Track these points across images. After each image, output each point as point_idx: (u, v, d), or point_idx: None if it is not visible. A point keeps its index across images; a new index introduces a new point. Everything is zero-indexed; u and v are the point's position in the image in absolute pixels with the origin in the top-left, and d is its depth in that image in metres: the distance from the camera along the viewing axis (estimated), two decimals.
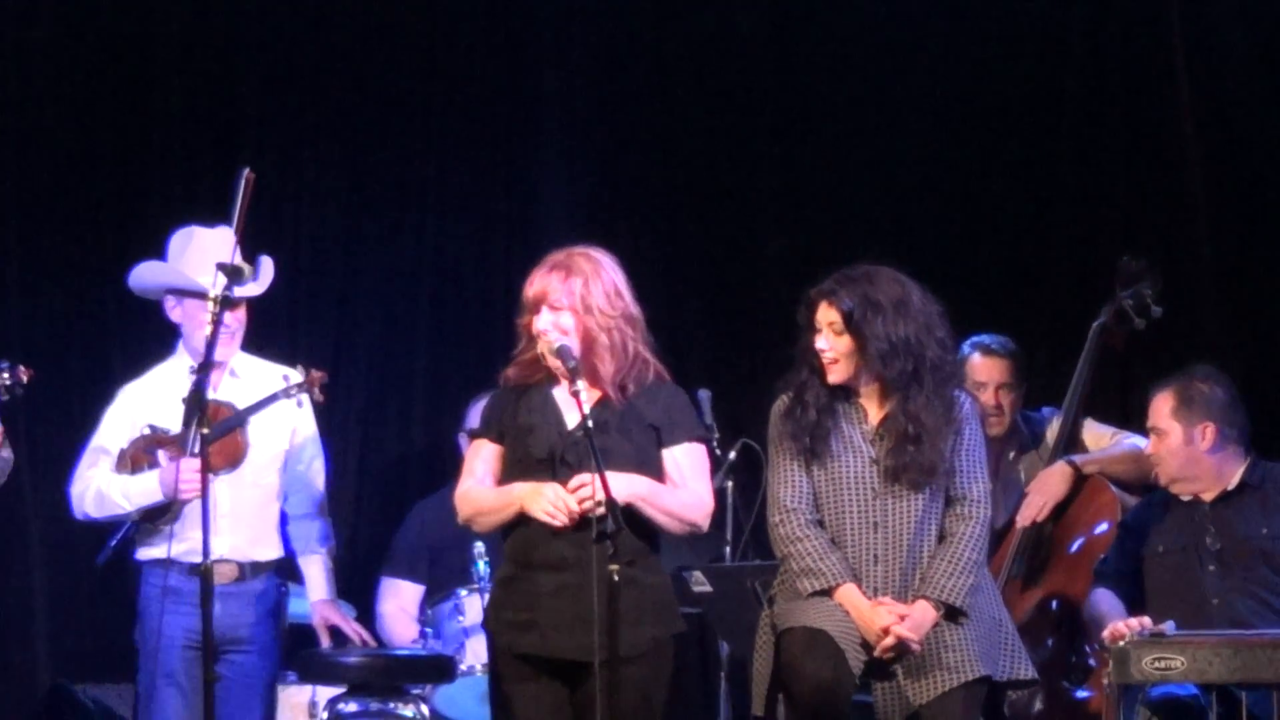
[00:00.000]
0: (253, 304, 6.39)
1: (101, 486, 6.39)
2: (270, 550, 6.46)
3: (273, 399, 6.39)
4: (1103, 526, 6.46)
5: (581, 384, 5.37)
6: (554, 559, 5.42)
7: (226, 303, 5.88)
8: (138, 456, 6.39)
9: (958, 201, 7.93)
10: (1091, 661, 6.36)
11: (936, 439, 5.45)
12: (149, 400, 6.46)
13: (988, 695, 5.51)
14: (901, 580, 5.46)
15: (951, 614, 5.43)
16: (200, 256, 6.39)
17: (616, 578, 5.22)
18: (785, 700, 5.45)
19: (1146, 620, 5.72)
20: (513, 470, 5.53)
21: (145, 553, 6.41)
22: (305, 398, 6.45)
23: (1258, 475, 6.14)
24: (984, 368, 6.80)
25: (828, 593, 5.43)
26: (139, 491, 6.34)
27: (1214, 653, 5.54)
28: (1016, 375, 6.82)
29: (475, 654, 6.92)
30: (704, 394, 6.60)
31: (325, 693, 6.86)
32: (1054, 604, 6.49)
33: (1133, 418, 6.50)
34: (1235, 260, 7.57)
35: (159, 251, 6.53)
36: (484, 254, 8.21)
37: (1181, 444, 6.13)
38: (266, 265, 6.30)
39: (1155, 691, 5.72)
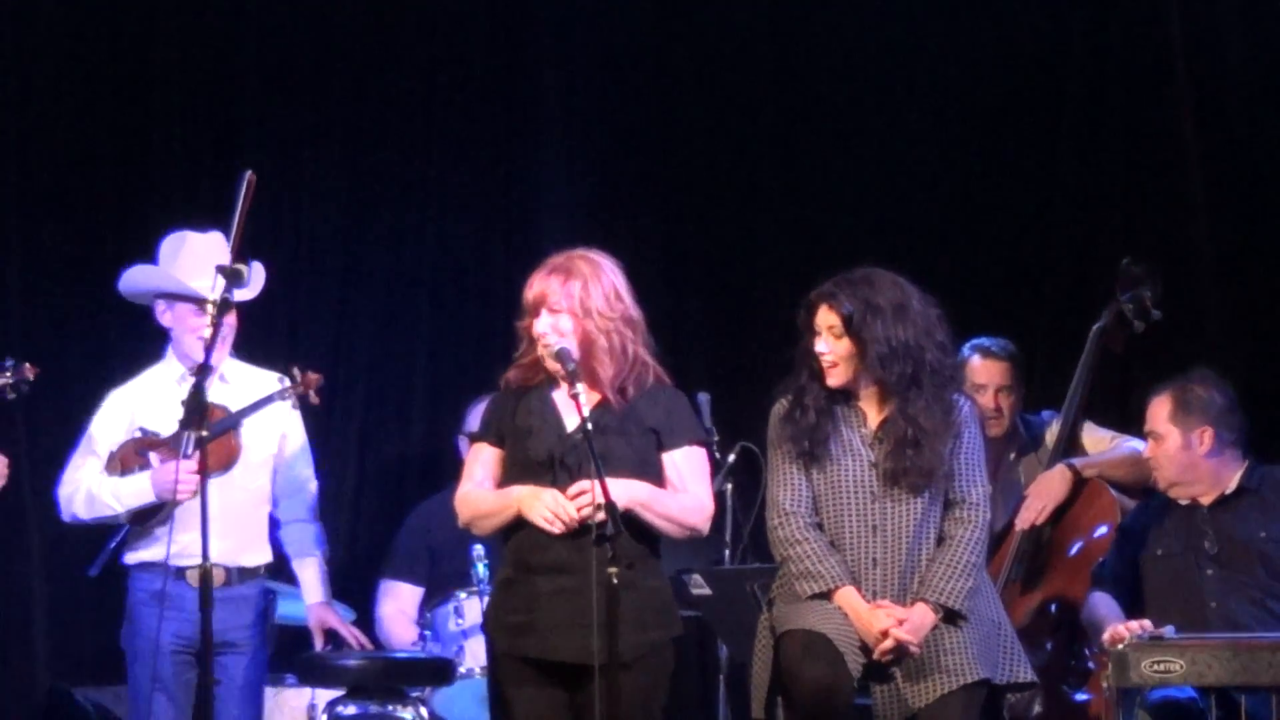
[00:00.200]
0: (243, 309, 6.38)
1: (91, 488, 6.39)
2: (258, 556, 6.47)
3: (268, 401, 6.40)
4: (1102, 530, 6.46)
5: (581, 387, 5.37)
6: (553, 562, 5.43)
7: (225, 305, 5.87)
8: (127, 459, 6.40)
9: (958, 203, 7.93)
10: (1090, 664, 6.36)
11: (935, 442, 5.45)
12: (139, 404, 6.47)
13: (987, 698, 5.51)
14: (900, 583, 5.46)
15: (950, 617, 5.43)
16: (192, 261, 6.40)
17: (616, 581, 5.22)
18: (784, 703, 5.46)
19: (1147, 623, 5.72)
20: (512, 473, 5.53)
21: (133, 556, 6.42)
22: (295, 401, 6.47)
23: (1256, 479, 6.14)
24: (984, 370, 6.80)
25: (827, 595, 5.43)
26: (130, 493, 6.35)
27: (1213, 656, 5.54)
28: (1016, 378, 6.82)
29: (474, 656, 6.92)
30: (703, 397, 6.60)
31: (324, 695, 6.86)
32: (1053, 607, 6.49)
33: (1132, 421, 6.49)
34: (1235, 263, 7.56)
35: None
36: (484, 256, 8.21)
37: (1179, 448, 6.13)
38: (257, 270, 6.29)
39: (1154, 695, 5.72)
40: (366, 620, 7.32)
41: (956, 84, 7.99)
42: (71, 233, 7.90)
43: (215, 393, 6.33)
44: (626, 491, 5.37)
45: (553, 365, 5.47)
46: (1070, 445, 6.70)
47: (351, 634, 6.78)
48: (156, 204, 7.85)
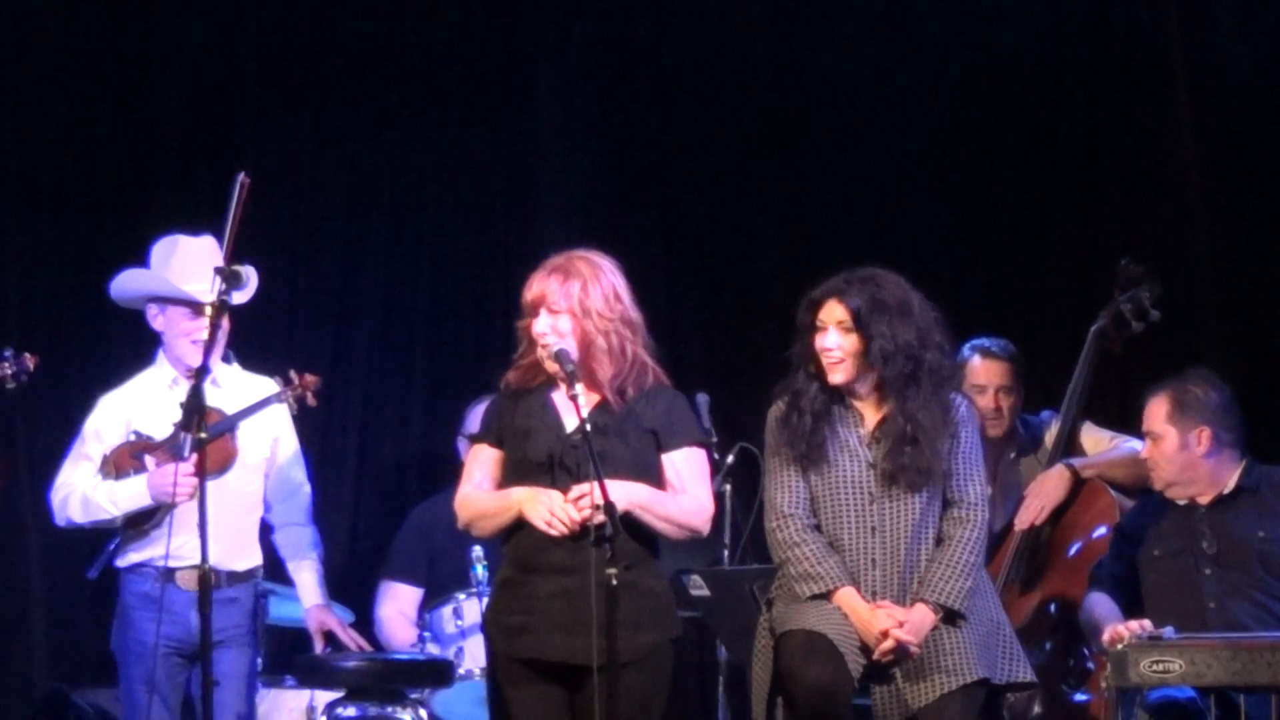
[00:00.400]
0: (240, 311, 6.37)
1: (87, 492, 6.39)
2: (248, 560, 6.48)
3: (266, 403, 6.41)
4: (1101, 530, 6.46)
5: (580, 388, 5.37)
6: (553, 563, 5.42)
7: (223, 308, 5.86)
8: (122, 462, 6.40)
9: (958, 203, 7.92)
10: (1090, 665, 6.36)
11: (934, 440, 5.45)
12: (131, 408, 6.47)
13: (986, 698, 5.51)
14: (900, 583, 5.46)
15: (950, 617, 5.43)
16: (184, 264, 6.41)
17: (615, 582, 5.22)
18: (784, 704, 5.46)
19: (1147, 623, 5.72)
20: (512, 474, 5.53)
21: (125, 559, 6.42)
22: (293, 403, 6.46)
23: (1254, 478, 6.14)
24: (984, 370, 6.80)
25: (826, 596, 5.43)
26: (126, 496, 6.35)
27: (1212, 656, 5.54)
28: (1016, 378, 6.82)
29: (473, 658, 6.92)
30: (702, 398, 6.59)
31: (323, 697, 6.85)
32: (1052, 607, 6.49)
33: (1131, 421, 6.49)
34: (1233, 264, 7.56)
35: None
36: (482, 258, 8.21)
37: (1177, 448, 6.13)
38: (251, 274, 6.28)
39: (1153, 695, 5.71)
40: (365, 621, 7.32)
41: (956, 84, 7.98)
42: (70, 235, 7.91)
43: (208, 396, 6.31)
44: (626, 493, 5.37)
45: (551, 366, 5.47)
46: (1069, 445, 6.70)
47: (350, 637, 6.78)
48: (155, 206, 7.85)
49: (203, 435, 5.70)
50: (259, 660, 6.62)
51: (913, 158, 7.98)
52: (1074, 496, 6.55)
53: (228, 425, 6.34)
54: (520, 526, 5.47)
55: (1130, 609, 6.02)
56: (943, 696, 5.41)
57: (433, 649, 7.02)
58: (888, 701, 5.47)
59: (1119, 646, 5.61)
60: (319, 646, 6.71)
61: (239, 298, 6.18)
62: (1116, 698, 5.63)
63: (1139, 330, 6.72)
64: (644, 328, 5.55)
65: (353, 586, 7.47)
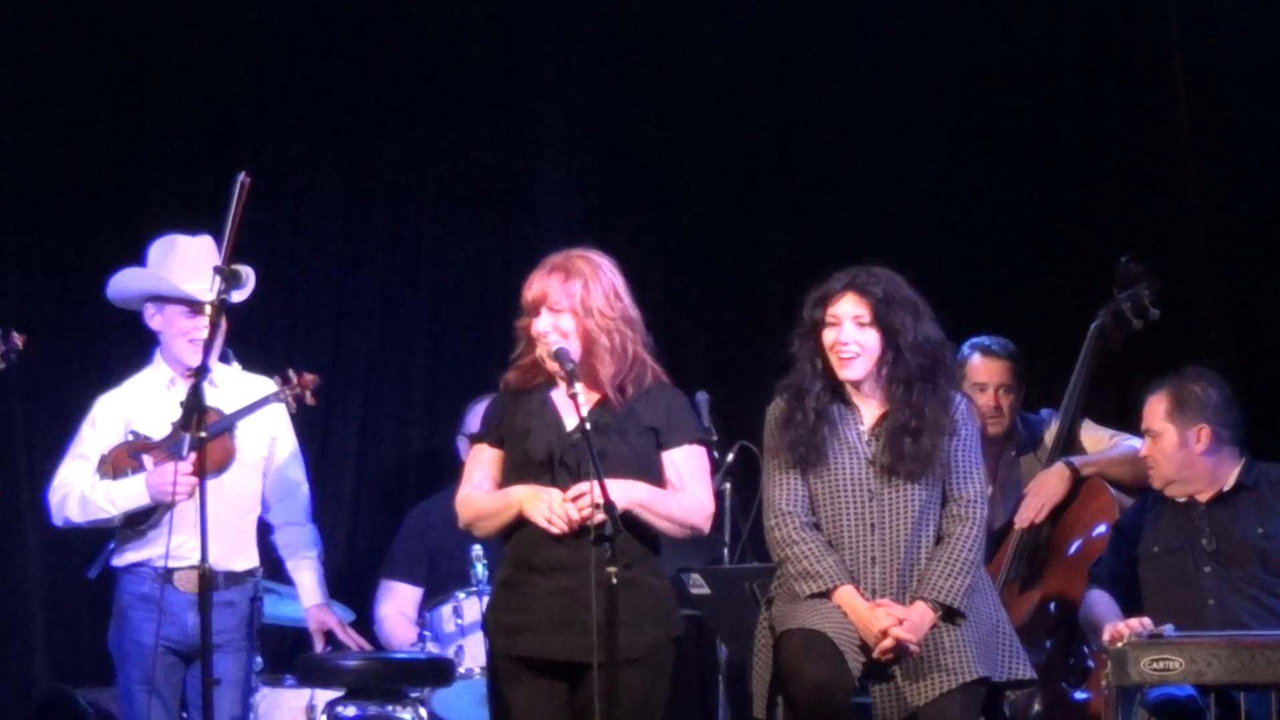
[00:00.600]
0: (239, 311, 6.37)
1: (85, 491, 6.39)
2: (245, 561, 6.47)
3: (264, 402, 6.41)
4: (1101, 528, 6.46)
5: (579, 387, 5.37)
6: (553, 562, 5.42)
7: (222, 306, 5.86)
8: (120, 462, 6.40)
9: (958, 203, 7.93)
10: (1090, 663, 6.36)
11: (935, 433, 5.46)
12: (129, 408, 6.47)
13: (987, 696, 5.51)
14: (899, 581, 5.46)
15: (949, 615, 5.44)
16: (181, 264, 6.40)
17: (615, 580, 5.22)
18: (784, 702, 5.46)
19: (1147, 621, 5.72)
20: (512, 474, 5.53)
21: (122, 558, 6.42)
22: (292, 403, 6.46)
23: (1253, 476, 6.14)
24: (984, 369, 6.81)
25: (826, 595, 5.43)
26: (124, 496, 6.34)
27: (1212, 654, 5.53)
28: (1016, 376, 6.83)
29: (474, 657, 6.92)
30: (702, 396, 6.60)
31: (323, 696, 6.85)
32: (1052, 605, 6.49)
33: (1131, 419, 6.49)
34: (1233, 262, 7.57)
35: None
36: (482, 257, 8.21)
37: (1176, 446, 6.13)
38: (249, 273, 6.27)
39: (1153, 693, 5.71)
40: (365, 621, 7.32)
41: (956, 84, 7.99)
42: (69, 236, 7.91)
43: (206, 396, 6.31)
44: (626, 492, 5.37)
45: (552, 365, 5.47)
46: (1069, 444, 6.70)
47: (350, 636, 6.78)
48: (155, 207, 7.86)
49: (203, 434, 5.69)
50: (257, 661, 6.63)
51: (913, 157, 7.99)
52: (1074, 495, 6.55)
53: (226, 425, 6.34)
54: (520, 525, 5.47)
55: (1129, 607, 6.02)
56: (943, 695, 5.41)
57: (433, 648, 7.02)
58: (887, 700, 5.47)
59: (1119, 645, 5.61)
60: (319, 646, 6.71)
61: (237, 297, 6.17)
62: (1116, 696, 5.63)
63: (1138, 328, 6.72)
64: (643, 326, 5.56)
65: (352, 586, 7.47)
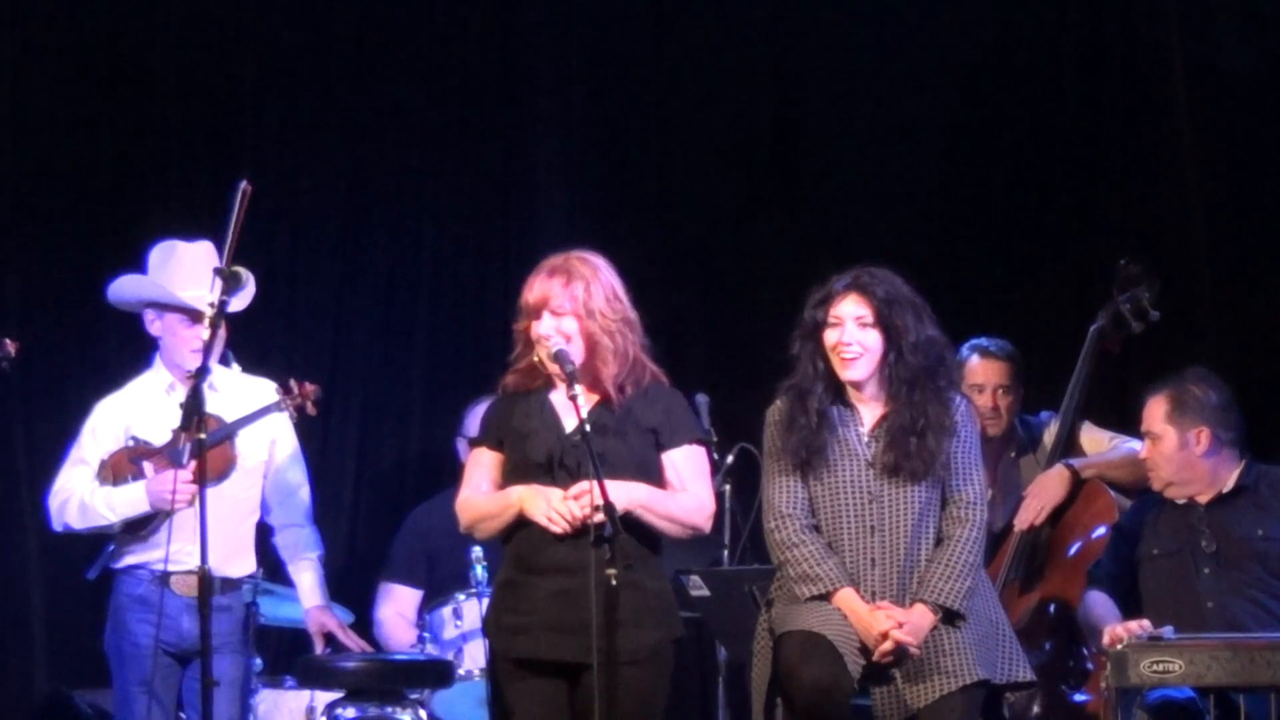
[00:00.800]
0: (238, 316, 6.36)
1: (84, 497, 6.39)
2: (243, 566, 6.48)
3: (264, 412, 6.40)
4: (1100, 530, 6.46)
5: (579, 388, 5.37)
6: (554, 563, 5.42)
7: (223, 308, 5.85)
8: (120, 467, 6.39)
9: (957, 205, 7.92)
10: (1089, 665, 6.36)
11: (937, 433, 5.46)
12: (129, 412, 6.47)
13: (986, 698, 5.51)
14: (899, 584, 5.46)
15: (949, 617, 5.43)
16: (180, 271, 6.40)
17: (614, 582, 5.22)
18: (783, 704, 5.45)
19: (1146, 623, 5.72)
20: (512, 476, 5.53)
21: (120, 560, 6.42)
22: (292, 413, 6.46)
23: (1253, 478, 6.14)
24: (982, 370, 6.81)
25: (826, 597, 5.43)
26: (124, 502, 6.35)
27: (1212, 656, 5.53)
28: (1015, 378, 6.83)
29: (473, 658, 6.92)
30: (702, 399, 6.60)
31: (323, 697, 6.85)
32: (1052, 607, 6.49)
33: (1130, 421, 6.49)
34: (1232, 264, 7.56)
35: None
36: (481, 260, 8.20)
37: (1176, 448, 6.13)
38: (249, 277, 6.27)
39: (1153, 695, 5.71)
40: (365, 624, 7.32)
41: (956, 84, 7.98)
42: (69, 240, 7.90)
43: (206, 401, 6.31)
44: (626, 493, 5.37)
45: (551, 367, 5.47)
46: (1069, 446, 6.70)
47: (350, 638, 6.78)
48: (155, 211, 7.85)
49: (202, 435, 5.68)
50: (257, 663, 6.63)
51: (912, 158, 7.98)
52: (1073, 497, 6.55)
53: (225, 434, 6.34)
54: (521, 527, 5.47)
55: (1129, 609, 6.02)
56: (942, 697, 5.41)
57: (432, 650, 7.02)
58: (887, 702, 5.47)
59: (1119, 647, 5.61)
60: (319, 647, 6.71)
61: (237, 304, 6.17)
62: (1116, 698, 5.63)
63: (1138, 330, 6.73)
64: (639, 326, 5.56)
65: (352, 588, 7.47)
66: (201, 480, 5.66)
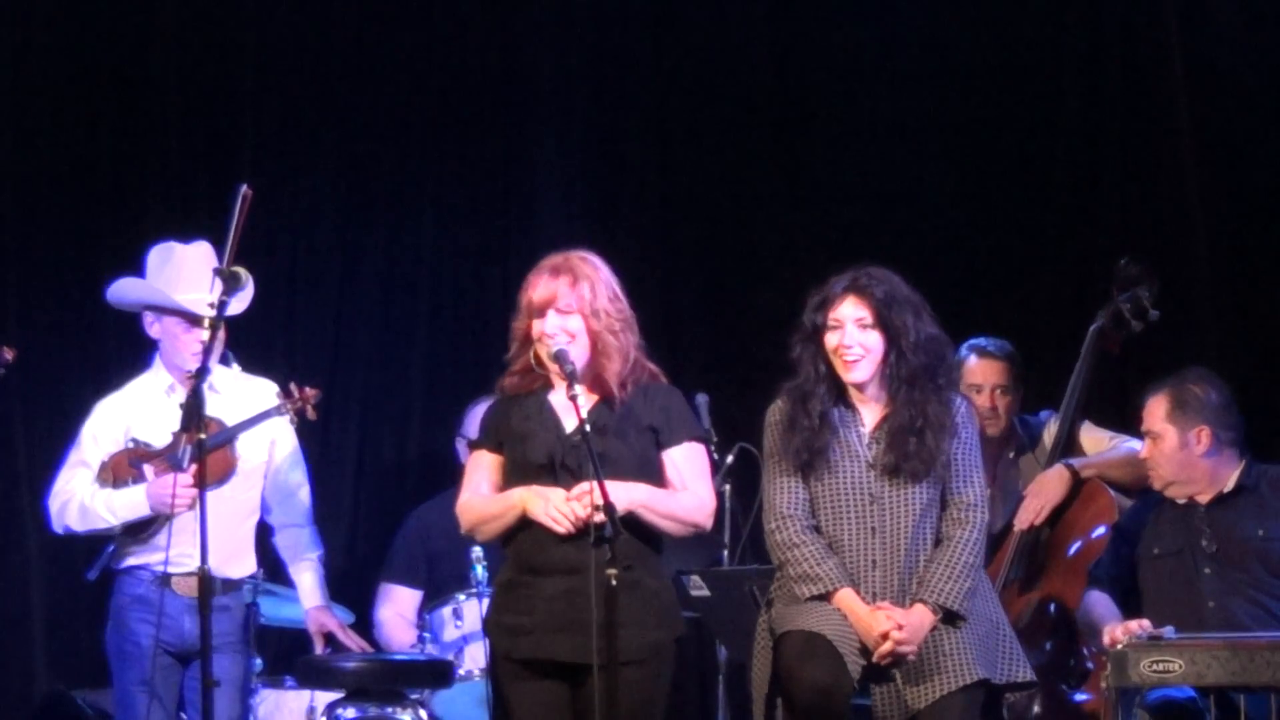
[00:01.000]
0: (237, 317, 6.36)
1: (84, 500, 6.39)
2: (243, 567, 6.49)
3: (264, 416, 6.40)
4: (1100, 530, 6.46)
5: (579, 388, 5.37)
6: (555, 563, 5.42)
7: (222, 309, 5.85)
8: (120, 469, 6.39)
9: (957, 204, 7.92)
10: (1089, 664, 6.36)
11: (937, 433, 5.45)
12: (128, 413, 6.47)
13: (986, 698, 5.50)
14: (900, 584, 5.46)
15: (949, 618, 5.43)
16: (179, 273, 6.40)
17: (615, 582, 5.22)
18: (784, 704, 5.45)
19: (1146, 623, 5.72)
20: (512, 477, 5.53)
21: (120, 561, 6.42)
22: (292, 416, 6.45)
23: (1253, 477, 6.14)
24: (980, 370, 6.81)
25: (826, 597, 5.43)
26: (124, 505, 6.35)
27: (1212, 656, 5.53)
28: (1013, 378, 6.83)
29: (473, 659, 6.92)
30: (702, 398, 6.60)
31: (323, 698, 6.85)
32: (1052, 607, 6.48)
33: (1130, 421, 6.49)
34: (1232, 263, 7.56)
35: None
36: (481, 261, 8.20)
37: (1176, 448, 6.13)
38: (248, 277, 6.25)
39: (1153, 695, 5.71)
40: (365, 624, 7.32)
41: (955, 84, 7.99)
42: (68, 242, 7.90)
43: (206, 403, 6.30)
44: (627, 493, 5.37)
45: (552, 366, 5.47)
46: (1069, 445, 6.70)
47: (350, 638, 6.78)
48: (154, 213, 7.85)
49: (202, 436, 5.68)
50: (257, 663, 6.63)
51: (912, 158, 7.98)
52: (1073, 496, 6.55)
53: (225, 438, 6.34)
54: (522, 528, 5.47)
55: (1129, 608, 6.02)
56: (943, 697, 5.40)
57: (432, 650, 7.02)
58: (887, 702, 5.47)
59: (1119, 646, 5.61)
60: (319, 647, 6.72)
61: (236, 305, 6.17)
62: (1116, 698, 5.63)
63: (1138, 330, 6.73)
64: (636, 325, 5.56)
65: (352, 588, 7.47)
66: (201, 484, 5.66)
